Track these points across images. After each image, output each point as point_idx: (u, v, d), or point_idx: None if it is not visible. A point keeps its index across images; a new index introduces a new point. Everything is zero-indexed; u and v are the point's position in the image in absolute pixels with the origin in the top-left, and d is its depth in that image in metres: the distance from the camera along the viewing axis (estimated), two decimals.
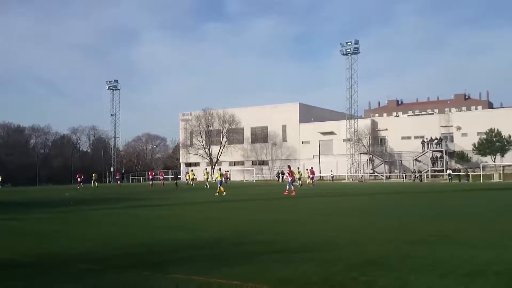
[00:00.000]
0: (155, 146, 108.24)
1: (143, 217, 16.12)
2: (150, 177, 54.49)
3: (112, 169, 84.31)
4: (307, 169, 51.34)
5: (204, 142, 79.80)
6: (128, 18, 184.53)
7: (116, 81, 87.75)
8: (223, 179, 30.38)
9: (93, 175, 55.03)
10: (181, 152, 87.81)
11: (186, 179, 59.10)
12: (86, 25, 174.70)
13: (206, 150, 79.42)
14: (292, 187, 28.68)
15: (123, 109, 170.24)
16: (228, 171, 67.88)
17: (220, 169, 32.31)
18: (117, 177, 64.17)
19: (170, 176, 54.35)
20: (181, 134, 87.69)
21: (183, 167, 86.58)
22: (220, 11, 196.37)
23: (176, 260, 7.78)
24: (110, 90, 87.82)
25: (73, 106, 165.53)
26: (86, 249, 9.10)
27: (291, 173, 29.55)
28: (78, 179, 52.55)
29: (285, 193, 28.17)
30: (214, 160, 78.59)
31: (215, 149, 78.56)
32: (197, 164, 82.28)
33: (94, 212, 18.56)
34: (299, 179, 45.78)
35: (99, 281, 6.43)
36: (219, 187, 28.67)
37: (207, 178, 49.42)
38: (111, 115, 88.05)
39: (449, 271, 6.46)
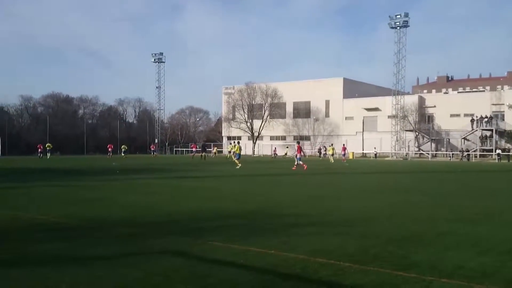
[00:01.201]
0: (198, 119, 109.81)
1: (182, 187, 16.55)
2: (193, 149, 58.97)
3: (156, 140, 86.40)
4: (330, 145, 52.83)
5: (246, 116, 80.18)
6: None
7: (161, 53, 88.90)
8: (240, 152, 30.87)
9: (122, 146, 60.23)
10: (223, 125, 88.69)
11: (213, 153, 61.54)
12: None
13: (248, 124, 79.81)
14: (300, 162, 29.09)
15: (167, 82, 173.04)
16: (287, 147, 68.39)
17: (238, 143, 32.81)
18: (152, 148, 67.05)
19: (197, 149, 56.64)
20: (223, 108, 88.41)
21: (225, 140, 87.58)
22: None
23: (214, 228, 7.99)
24: (155, 62, 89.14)
25: (120, 78, 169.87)
26: (129, 215, 9.48)
27: (300, 149, 30.00)
28: (109, 149, 56.69)
29: (293, 168, 28.44)
30: (256, 134, 78.97)
31: (257, 123, 78.82)
32: (239, 138, 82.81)
33: (138, 181, 19.22)
34: (332, 155, 47.04)
35: (141, 244, 6.72)
36: (236, 160, 29.38)
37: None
38: (156, 87, 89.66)
39: (488, 249, 6.32)
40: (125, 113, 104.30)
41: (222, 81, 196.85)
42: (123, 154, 57.38)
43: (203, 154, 49.64)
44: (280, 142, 79.48)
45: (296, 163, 29.42)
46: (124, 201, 11.83)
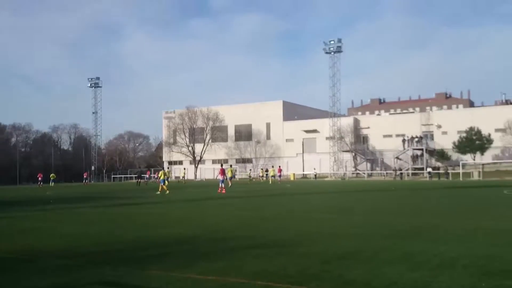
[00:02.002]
0: (137, 144, 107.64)
1: (120, 215, 16.11)
2: (147, 175, 59.93)
3: (93, 167, 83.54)
4: (272, 167, 54.88)
5: (187, 140, 79.58)
6: (111, 14, 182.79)
7: (98, 78, 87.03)
8: (165, 178, 30.80)
9: (51, 175, 58.79)
10: (164, 150, 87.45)
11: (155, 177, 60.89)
12: (68, 20, 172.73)
13: (190, 148, 79.19)
14: (222, 185, 29.34)
15: (105, 107, 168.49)
16: (262, 169, 67.56)
17: (163, 169, 33.14)
18: (84, 176, 65.31)
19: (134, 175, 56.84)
20: (164, 132, 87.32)
21: (165, 165, 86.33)
22: (205, 7, 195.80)
23: (154, 256, 7.84)
24: (92, 87, 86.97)
25: (55, 104, 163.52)
26: (65, 246, 9.08)
27: (223, 171, 30.55)
28: (39, 178, 54.94)
29: (218, 191, 28.46)
30: (198, 158, 78.42)
31: (198, 147, 78.39)
32: (180, 163, 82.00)
33: (74, 210, 18.46)
34: (273, 176, 49.17)
35: (75, 275, 6.46)
36: (162, 185, 29.12)
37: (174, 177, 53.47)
38: (93, 113, 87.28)
39: (419, 264, 6.65)
40: (59, 140, 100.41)
41: (162, 105, 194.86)
42: (52, 184, 55.70)
43: (139, 180, 49.14)
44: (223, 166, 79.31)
45: (220, 185, 29.37)
46: (58, 231, 11.32)
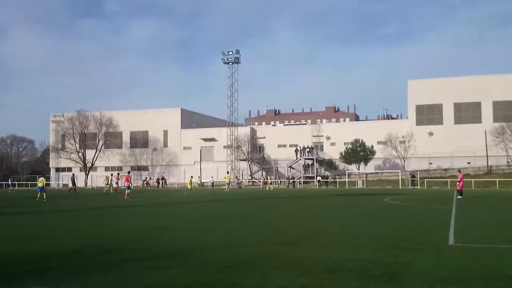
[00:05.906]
0: (21, 149, 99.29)
1: (3, 226, 14.70)
2: (115, 180, 52.87)
3: None
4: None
5: (77, 146, 75.21)
6: None
7: None
8: (44, 186, 30.57)
9: None
10: (51, 156, 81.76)
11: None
12: None
13: (80, 154, 74.92)
14: (128, 191, 31.77)
15: None
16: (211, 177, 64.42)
17: (41, 176, 34.17)
18: (9, 182, 56.57)
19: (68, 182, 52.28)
20: (51, 137, 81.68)
21: (52, 172, 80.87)
22: (97, 8, 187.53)
23: (37, 270, 7.25)
24: None
25: None
26: None
27: (128, 178, 32.73)
28: None
29: (125, 198, 30.21)
30: (89, 165, 74.42)
31: (90, 153, 74.43)
32: (69, 169, 77.22)
33: None
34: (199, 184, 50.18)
35: None
36: (40, 193, 29.69)
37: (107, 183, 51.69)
38: None
39: (308, 269, 6.98)
40: None
41: (50, 108, 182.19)
42: None
43: (73, 187, 46.12)
44: (116, 173, 76.25)
45: (127, 192, 31.38)
46: None
